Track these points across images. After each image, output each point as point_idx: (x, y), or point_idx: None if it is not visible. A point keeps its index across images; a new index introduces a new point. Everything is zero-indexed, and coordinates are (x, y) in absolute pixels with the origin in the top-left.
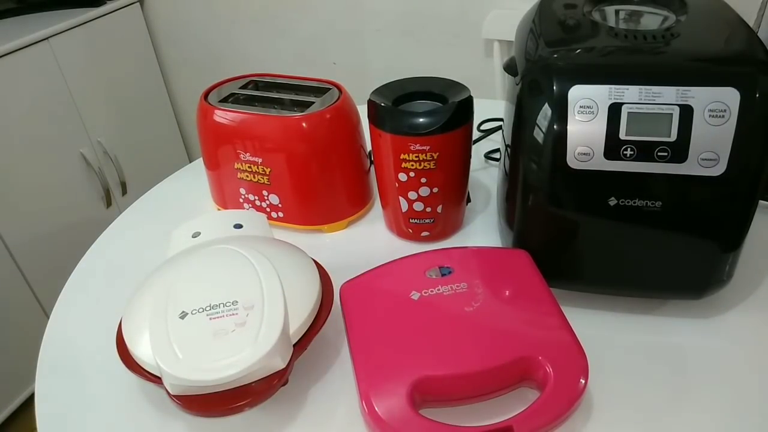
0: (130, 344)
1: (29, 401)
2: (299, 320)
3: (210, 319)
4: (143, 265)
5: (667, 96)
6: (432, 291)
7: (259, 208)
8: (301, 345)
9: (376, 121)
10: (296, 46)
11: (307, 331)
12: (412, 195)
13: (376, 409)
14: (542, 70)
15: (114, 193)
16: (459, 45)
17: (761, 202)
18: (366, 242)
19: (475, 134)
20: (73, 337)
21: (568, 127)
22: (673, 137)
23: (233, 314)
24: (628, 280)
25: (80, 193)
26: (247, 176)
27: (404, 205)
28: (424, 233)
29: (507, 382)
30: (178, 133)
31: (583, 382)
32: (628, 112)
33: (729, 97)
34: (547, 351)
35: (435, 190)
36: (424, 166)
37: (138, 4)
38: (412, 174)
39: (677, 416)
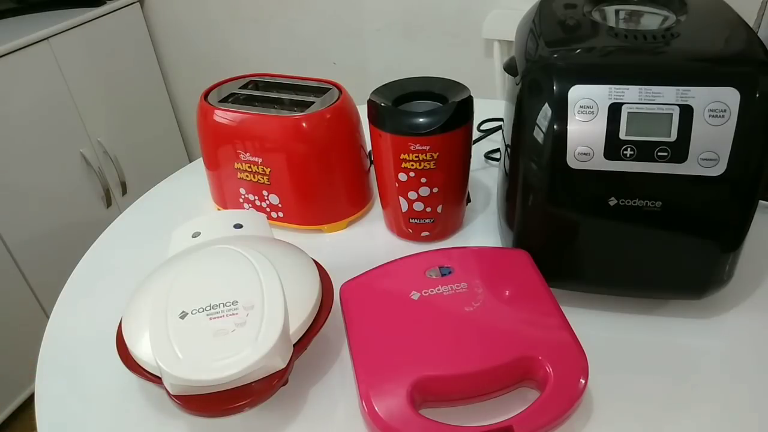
0: (130, 344)
1: (29, 401)
2: (299, 320)
3: (210, 319)
4: (143, 265)
5: (667, 96)
6: (432, 291)
7: (259, 208)
8: (301, 345)
9: (376, 121)
10: (296, 46)
11: (307, 331)
12: (412, 195)
13: (376, 409)
14: (542, 70)
15: (114, 193)
16: (459, 45)
17: (761, 202)
18: (366, 242)
19: (475, 134)
20: (73, 337)
21: (568, 127)
22: (673, 137)
23: (233, 314)
24: (628, 280)
25: (80, 193)
26: (247, 176)
27: (404, 205)
28: (424, 233)
29: (507, 382)
30: (178, 133)
31: (583, 382)
32: (628, 112)
33: (729, 97)
34: (547, 351)
35: (435, 190)
36: (424, 166)
37: (138, 4)
38: (412, 174)
39: (677, 416)
